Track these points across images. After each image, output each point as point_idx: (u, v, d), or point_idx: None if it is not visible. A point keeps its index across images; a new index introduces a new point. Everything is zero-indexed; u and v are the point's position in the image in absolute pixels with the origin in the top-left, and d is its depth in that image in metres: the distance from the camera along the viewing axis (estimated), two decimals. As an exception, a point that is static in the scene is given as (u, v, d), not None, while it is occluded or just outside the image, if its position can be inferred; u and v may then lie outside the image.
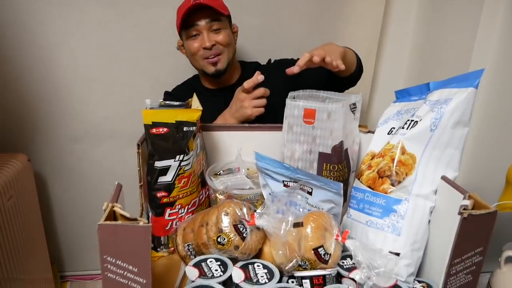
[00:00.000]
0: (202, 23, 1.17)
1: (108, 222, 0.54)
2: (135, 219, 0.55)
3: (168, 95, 1.34)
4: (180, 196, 0.83)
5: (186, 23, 1.18)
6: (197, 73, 1.37)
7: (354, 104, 0.87)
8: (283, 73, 0.92)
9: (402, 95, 0.88)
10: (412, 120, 0.76)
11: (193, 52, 1.21)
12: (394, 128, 0.81)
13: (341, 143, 0.83)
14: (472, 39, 1.40)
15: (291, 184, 0.79)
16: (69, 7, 1.36)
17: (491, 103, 1.44)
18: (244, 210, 0.72)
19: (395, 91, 0.91)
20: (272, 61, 1.36)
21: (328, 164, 0.85)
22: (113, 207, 0.56)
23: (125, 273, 0.56)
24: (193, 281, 0.66)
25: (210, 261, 0.70)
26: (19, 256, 1.27)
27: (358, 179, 0.82)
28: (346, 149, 0.86)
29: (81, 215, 1.62)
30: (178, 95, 1.31)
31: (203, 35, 1.18)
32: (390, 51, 1.52)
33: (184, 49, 1.28)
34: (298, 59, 0.90)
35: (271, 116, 1.00)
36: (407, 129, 0.76)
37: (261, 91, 1.02)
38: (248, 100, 1.03)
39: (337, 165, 0.85)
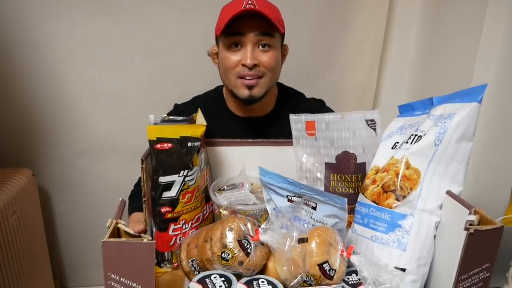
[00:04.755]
0: (250, 33, 0.94)
1: (112, 239, 0.54)
2: (139, 236, 0.55)
3: (176, 108, 1.14)
4: (184, 211, 0.83)
5: (230, 29, 0.94)
6: (221, 86, 1.15)
7: (372, 120, 0.88)
8: None
9: (406, 109, 0.88)
10: (416, 135, 0.76)
11: (228, 66, 0.98)
12: (398, 142, 0.81)
13: (346, 153, 0.85)
14: (474, 53, 1.41)
15: (295, 199, 0.79)
16: (75, 23, 1.38)
17: (496, 118, 1.44)
18: (249, 225, 0.72)
19: (398, 106, 0.91)
20: (317, 102, 1.17)
21: (335, 174, 0.86)
22: (117, 223, 0.57)
23: (129, 290, 0.56)
24: (197, 298, 0.65)
25: (214, 277, 0.70)
26: (22, 271, 1.27)
27: (363, 194, 0.82)
28: (365, 163, 0.87)
29: (84, 230, 1.62)
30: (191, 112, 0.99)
31: (247, 49, 0.95)
32: (393, 66, 1.53)
33: (217, 58, 1.04)
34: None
35: None
36: (411, 143, 0.76)
37: None
38: None
39: (344, 175, 0.85)
